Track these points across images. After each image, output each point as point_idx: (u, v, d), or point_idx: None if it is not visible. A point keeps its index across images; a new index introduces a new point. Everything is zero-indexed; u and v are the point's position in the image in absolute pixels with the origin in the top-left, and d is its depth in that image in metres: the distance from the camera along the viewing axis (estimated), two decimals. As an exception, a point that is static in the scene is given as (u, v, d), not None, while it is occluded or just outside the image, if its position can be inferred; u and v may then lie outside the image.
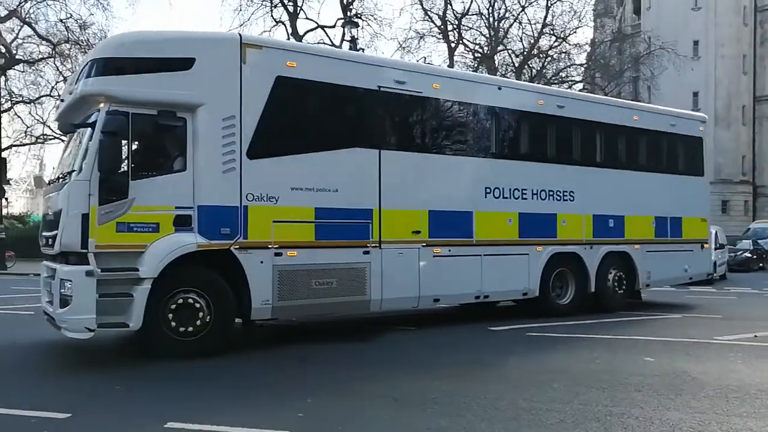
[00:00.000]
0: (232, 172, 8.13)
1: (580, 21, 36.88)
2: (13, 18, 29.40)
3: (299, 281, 8.58)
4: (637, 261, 12.61)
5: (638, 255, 12.60)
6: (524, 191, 11.06)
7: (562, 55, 35.61)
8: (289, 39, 34.00)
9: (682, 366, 7.54)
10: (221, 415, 5.51)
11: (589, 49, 38.25)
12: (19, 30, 30.32)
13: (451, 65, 35.00)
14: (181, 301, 7.84)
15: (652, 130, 13.12)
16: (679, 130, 13.67)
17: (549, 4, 34.83)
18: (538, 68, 35.49)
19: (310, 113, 9.06)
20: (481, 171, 10.66)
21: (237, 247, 8.15)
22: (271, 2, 34.75)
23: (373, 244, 9.24)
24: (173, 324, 7.80)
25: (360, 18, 34.97)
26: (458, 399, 6.05)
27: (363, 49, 32.14)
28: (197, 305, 7.89)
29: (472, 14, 36.12)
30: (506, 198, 10.83)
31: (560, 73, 35.49)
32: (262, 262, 8.29)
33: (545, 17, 35.11)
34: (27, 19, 29.51)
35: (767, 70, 51.58)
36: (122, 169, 7.69)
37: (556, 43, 35.51)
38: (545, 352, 8.60)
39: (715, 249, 20.44)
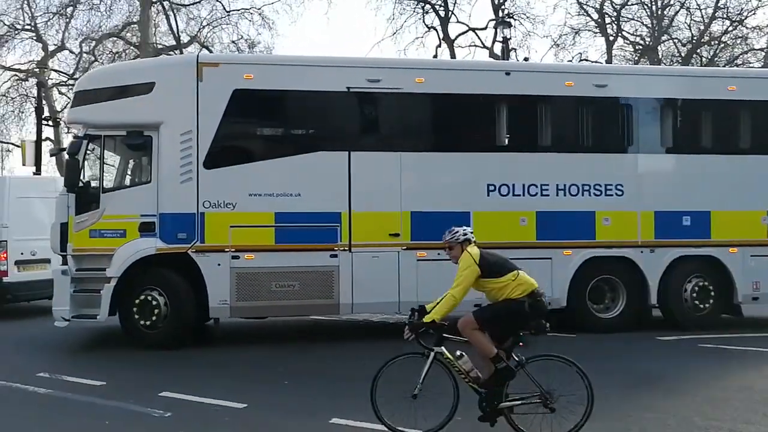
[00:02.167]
0: (189, 182, 8.95)
1: (760, 0, 32.48)
2: (194, 43, 33.07)
3: (258, 283, 9.09)
4: (734, 268, 10.27)
5: (736, 260, 10.28)
6: (545, 187, 9.89)
7: (738, 41, 31.74)
8: (440, 44, 34.39)
9: None
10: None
11: (771, 31, 33.68)
12: (198, 53, 34.06)
13: (609, 60, 32.99)
14: (143, 297, 8.88)
15: (761, 101, 10.62)
16: None
17: (723, -15, 31.29)
18: (709, 56, 32.06)
19: (269, 121, 9.56)
20: (481, 167, 9.84)
21: (194, 250, 8.93)
22: (423, 9, 35.23)
23: (342, 248, 9.34)
24: (137, 317, 8.87)
25: (512, 18, 34.25)
26: (623, 412, 5.82)
27: (515, 49, 31.56)
28: (154, 302, 8.87)
29: (633, 4, 33.59)
30: (517, 195, 9.82)
31: (735, 60, 31.70)
32: (219, 265, 8.96)
33: (718, 0, 31.63)
34: (205, 43, 33.04)
35: None
36: (90, 184, 8.90)
37: (731, 28, 31.74)
38: (721, 365, 7.95)
39: None
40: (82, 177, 8.85)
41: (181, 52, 31.21)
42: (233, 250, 9.02)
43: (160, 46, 31.49)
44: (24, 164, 22.77)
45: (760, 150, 10.66)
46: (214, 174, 9.01)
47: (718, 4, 31.68)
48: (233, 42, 33.15)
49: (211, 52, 33.83)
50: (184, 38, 32.60)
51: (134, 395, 6.51)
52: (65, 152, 8.87)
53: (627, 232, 10.15)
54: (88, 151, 8.93)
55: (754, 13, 32.18)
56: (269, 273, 9.11)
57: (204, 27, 32.53)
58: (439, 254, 9.57)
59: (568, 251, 10.00)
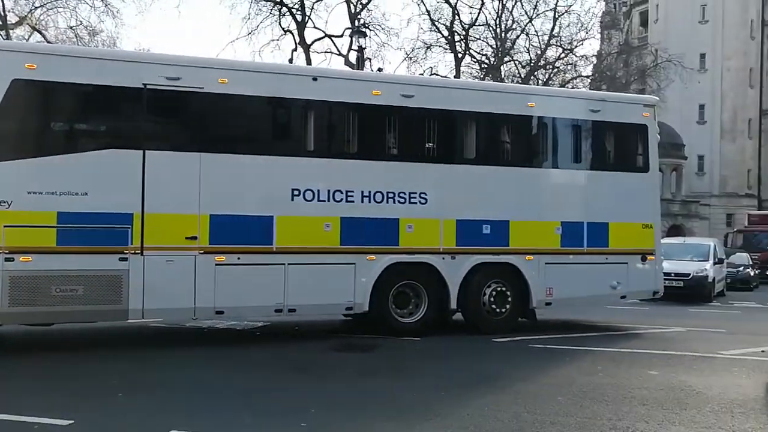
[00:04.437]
0: None
1: (587, 33, 36.03)
2: (24, 24, 30.55)
3: (36, 287, 8.43)
4: (530, 275, 10.79)
5: (531, 267, 10.80)
6: (350, 193, 9.94)
7: (569, 67, 34.69)
8: (296, 48, 34.25)
9: (686, 380, 7.51)
10: (223, 423, 5.61)
11: (595, 60, 37.23)
12: (29, 36, 31.46)
13: (457, 75, 34.49)
14: None
15: (556, 118, 11.30)
16: (607, 117, 11.47)
17: (556, 16, 34.09)
18: (545, 79, 34.53)
19: (53, 115, 8.96)
20: (286, 171, 9.72)
21: (-40, 251, 8.19)
22: (280, 11, 34.88)
23: (133, 251, 8.88)
24: None
25: (367, 28, 34.77)
26: (460, 410, 6.12)
27: (370, 59, 31.98)
28: None
29: (480, 25, 35.54)
30: (322, 201, 9.81)
31: (567, 85, 34.37)
32: None
33: (552, 28, 34.37)
34: (37, 26, 30.61)
35: (774, 84, 50.24)
36: None
37: (563, 55, 34.65)
38: (548, 364, 8.59)
39: (714, 264, 18.90)
40: None
41: (8, 35, 28.81)
42: (7, 251, 8.32)
43: (-20, 25, 28.94)
44: None
45: (556, 165, 11.42)
46: None
47: (553, 33, 34.39)
48: (71, 27, 31.06)
49: (43, 36, 31.70)
50: (12, 18, 30.10)
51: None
52: None
53: (429, 239, 10.41)
54: None
55: (581, 44, 35.47)
56: (49, 276, 8.48)
57: (36, 8, 30.26)
58: (239, 258, 9.53)
59: (371, 257, 10.06)
